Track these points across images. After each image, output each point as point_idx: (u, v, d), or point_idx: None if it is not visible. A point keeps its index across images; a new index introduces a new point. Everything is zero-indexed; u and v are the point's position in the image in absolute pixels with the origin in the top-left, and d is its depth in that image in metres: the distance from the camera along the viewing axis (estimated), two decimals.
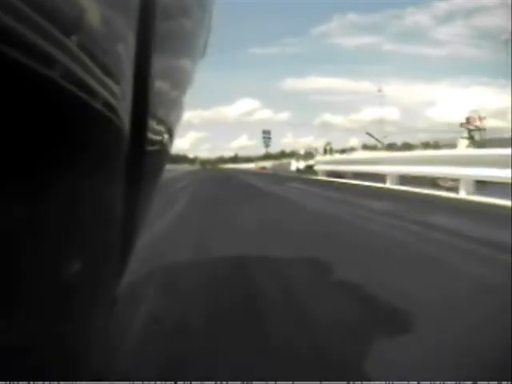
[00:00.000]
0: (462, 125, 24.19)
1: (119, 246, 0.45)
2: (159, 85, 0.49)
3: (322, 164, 17.72)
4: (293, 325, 1.57)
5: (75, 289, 0.37)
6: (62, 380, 0.38)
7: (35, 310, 0.32)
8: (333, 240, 3.33)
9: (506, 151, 6.23)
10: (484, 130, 23.01)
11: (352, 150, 30.00)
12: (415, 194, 7.75)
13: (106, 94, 0.35)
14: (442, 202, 6.46)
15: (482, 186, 7.41)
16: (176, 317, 1.65)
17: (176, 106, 0.61)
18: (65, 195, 0.33)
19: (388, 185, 9.99)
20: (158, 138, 0.53)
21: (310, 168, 27.23)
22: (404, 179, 9.92)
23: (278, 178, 16.74)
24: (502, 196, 5.94)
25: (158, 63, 0.45)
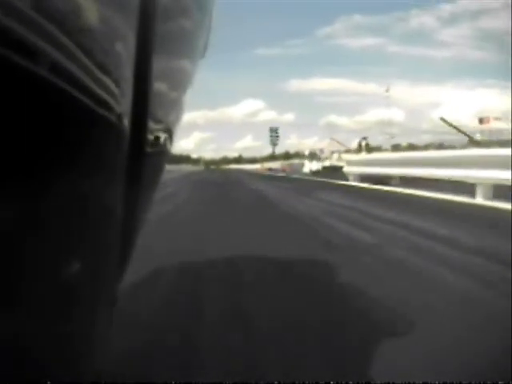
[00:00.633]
0: (481, 121, 23.29)
1: (119, 246, 0.45)
2: (159, 85, 0.49)
3: (355, 165, 13.27)
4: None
5: (75, 289, 0.37)
6: (62, 380, 0.38)
7: (35, 310, 0.32)
8: None
9: None
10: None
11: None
12: None
13: (105, 95, 0.35)
14: None
15: None
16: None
17: (176, 106, 0.61)
18: (65, 195, 0.33)
19: (480, 200, 6.47)
20: (157, 138, 0.53)
21: (326, 169, 25.01)
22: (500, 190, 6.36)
23: (296, 183, 13.68)
24: None
25: (158, 64, 0.45)
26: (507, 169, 5.98)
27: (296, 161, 41.58)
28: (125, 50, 0.38)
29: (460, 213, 5.22)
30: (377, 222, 4.26)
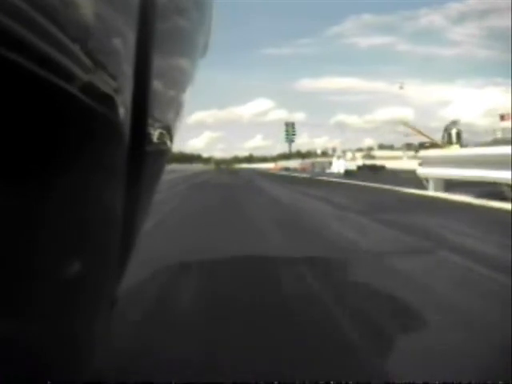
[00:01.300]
0: (502, 118, 22.08)
1: (119, 246, 0.45)
2: (159, 84, 0.49)
3: (440, 165, 7.68)
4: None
5: (75, 289, 0.37)
6: (63, 380, 0.38)
7: (35, 310, 0.32)
8: None
9: None
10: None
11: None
12: None
13: (105, 94, 0.35)
14: None
15: None
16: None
17: (176, 105, 0.61)
18: (65, 195, 0.33)
19: None
20: (157, 137, 0.53)
21: (361, 169, 22.16)
22: None
23: (333, 189, 9.61)
24: None
25: (158, 63, 0.45)
26: None
27: (320, 159, 34.86)
28: (124, 49, 0.38)
29: None
30: None
